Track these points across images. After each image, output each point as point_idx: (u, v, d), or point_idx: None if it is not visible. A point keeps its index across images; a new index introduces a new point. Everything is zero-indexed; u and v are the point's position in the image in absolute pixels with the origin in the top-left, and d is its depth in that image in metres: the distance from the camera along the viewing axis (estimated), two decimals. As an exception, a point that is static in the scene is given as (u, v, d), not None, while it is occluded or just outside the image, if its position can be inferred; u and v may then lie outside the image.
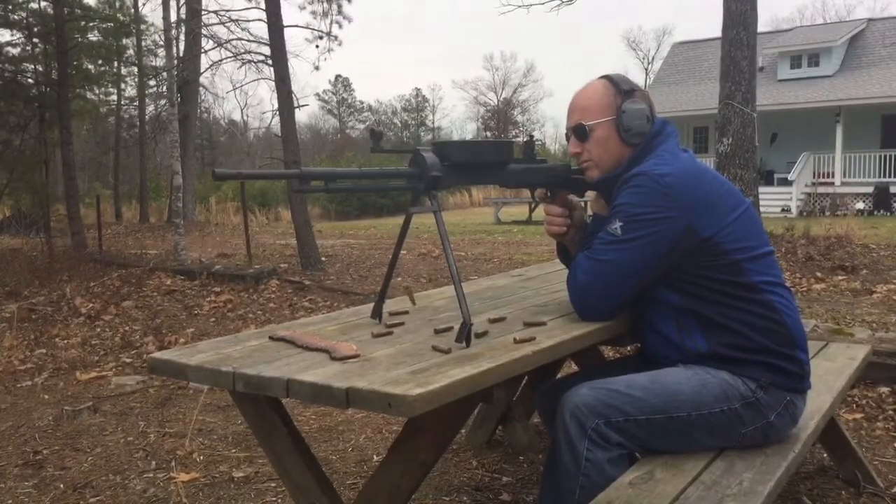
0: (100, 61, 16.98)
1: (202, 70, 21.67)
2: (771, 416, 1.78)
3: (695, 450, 1.77)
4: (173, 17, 16.32)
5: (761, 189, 10.44)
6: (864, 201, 18.53)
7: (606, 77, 1.92)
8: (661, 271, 1.77)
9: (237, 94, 54.46)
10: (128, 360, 4.77)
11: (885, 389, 3.42)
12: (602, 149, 1.88)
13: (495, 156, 1.83)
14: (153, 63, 23.00)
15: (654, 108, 1.89)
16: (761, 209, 10.07)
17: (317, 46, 18.60)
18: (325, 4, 16.28)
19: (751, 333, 1.76)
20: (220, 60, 23.90)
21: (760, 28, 9.14)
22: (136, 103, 24.97)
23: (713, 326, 1.78)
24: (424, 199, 1.66)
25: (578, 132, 1.89)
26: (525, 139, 2.00)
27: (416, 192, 1.67)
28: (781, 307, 1.79)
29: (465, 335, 1.57)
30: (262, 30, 21.27)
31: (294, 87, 9.41)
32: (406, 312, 1.99)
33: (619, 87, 1.87)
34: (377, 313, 1.90)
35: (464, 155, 1.75)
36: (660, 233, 1.72)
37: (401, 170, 1.70)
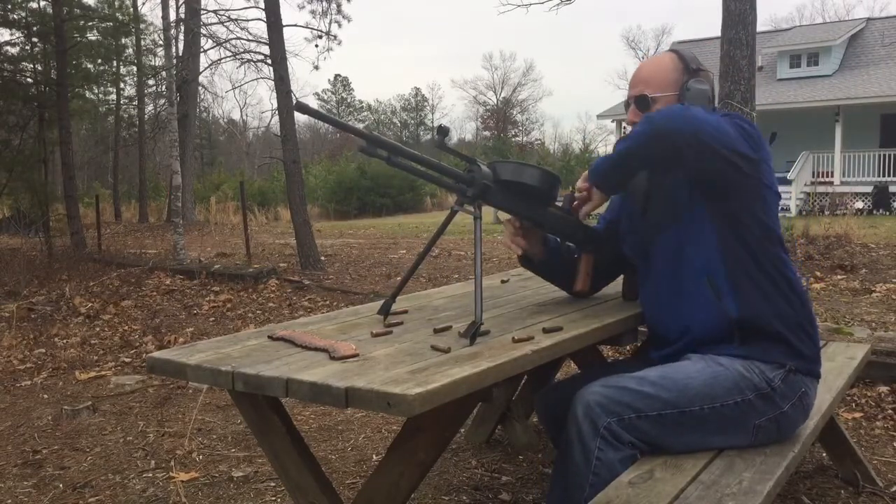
0: (99, 61, 17.00)
1: (201, 69, 21.70)
2: (785, 406, 1.78)
3: (708, 448, 1.75)
4: (172, 17, 16.31)
5: (760, 188, 10.42)
6: (863, 200, 18.53)
7: (676, 52, 1.92)
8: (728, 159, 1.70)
9: (236, 94, 54.42)
10: (127, 360, 4.77)
11: (884, 388, 3.42)
12: None
13: (539, 182, 1.82)
14: (152, 62, 23.05)
15: (715, 90, 1.90)
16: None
17: (316, 46, 18.65)
18: (325, 4, 16.30)
19: (778, 301, 1.78)
20: (220, 60, 23.97)
21: (759, 27, 9.13)
22: (136, 103, 24.99)
23: (745, 288, 1.77)
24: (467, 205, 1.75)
25: (640, 103, 1.89)
26: (566, 195, 2.01)
27: (461, 194, 1.73)
28: (802, 288, 1.84)
29: (473, 333, 1.58)
30: (261, 29, 21.33)
31: (293, 87, 9.42)
32: (405, 312, 1.99)
33: (688, 65, 1.87)
34: (386, 309, 1.89)
35: (509, 172, 1.80)
36: (743, 129, 1.71)
37: (457, 171, 1.74)
